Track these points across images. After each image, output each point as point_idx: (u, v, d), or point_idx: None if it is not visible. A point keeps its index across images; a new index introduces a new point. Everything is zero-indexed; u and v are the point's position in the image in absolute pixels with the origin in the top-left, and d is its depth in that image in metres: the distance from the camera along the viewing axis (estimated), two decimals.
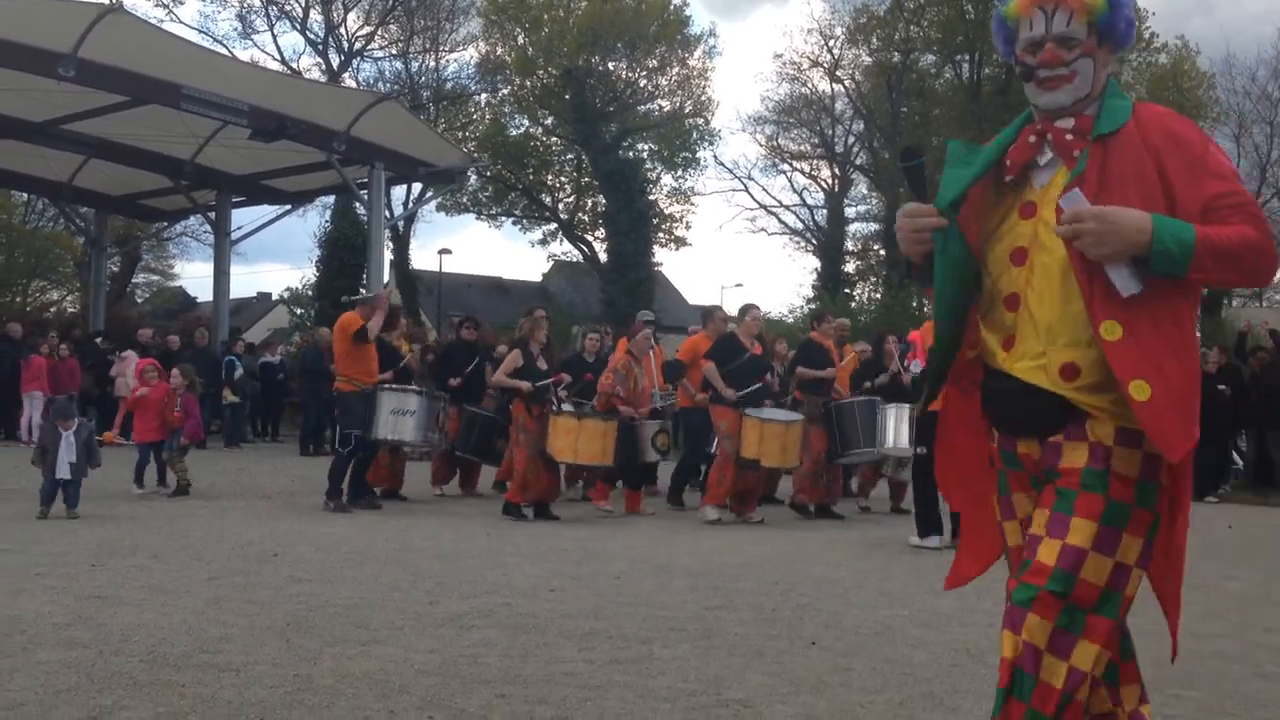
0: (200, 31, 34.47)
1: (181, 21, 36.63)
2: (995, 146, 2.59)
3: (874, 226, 38.29)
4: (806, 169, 39.67)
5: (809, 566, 7.13)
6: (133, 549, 6.91)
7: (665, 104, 37.36)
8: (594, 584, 6.15)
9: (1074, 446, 2.41)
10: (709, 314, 10.92)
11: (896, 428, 9.82)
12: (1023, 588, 2.41)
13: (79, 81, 15.84)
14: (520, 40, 35.95)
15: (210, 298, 24.05)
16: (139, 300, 37.83)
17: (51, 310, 32.25)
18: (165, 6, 32.93)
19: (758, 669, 4.30)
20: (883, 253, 35.44)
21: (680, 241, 39.61)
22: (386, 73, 35.81)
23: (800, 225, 39.83)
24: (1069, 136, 2.47)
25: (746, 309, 10.25)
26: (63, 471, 8.26)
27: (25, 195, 30.92)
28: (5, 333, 16.36)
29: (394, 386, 9.80)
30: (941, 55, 32.57)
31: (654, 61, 36.56)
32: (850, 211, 39.28)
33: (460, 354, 11.58)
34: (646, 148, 37.35)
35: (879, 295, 33.19)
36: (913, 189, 2.57)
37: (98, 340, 18.48)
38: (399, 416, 9.63)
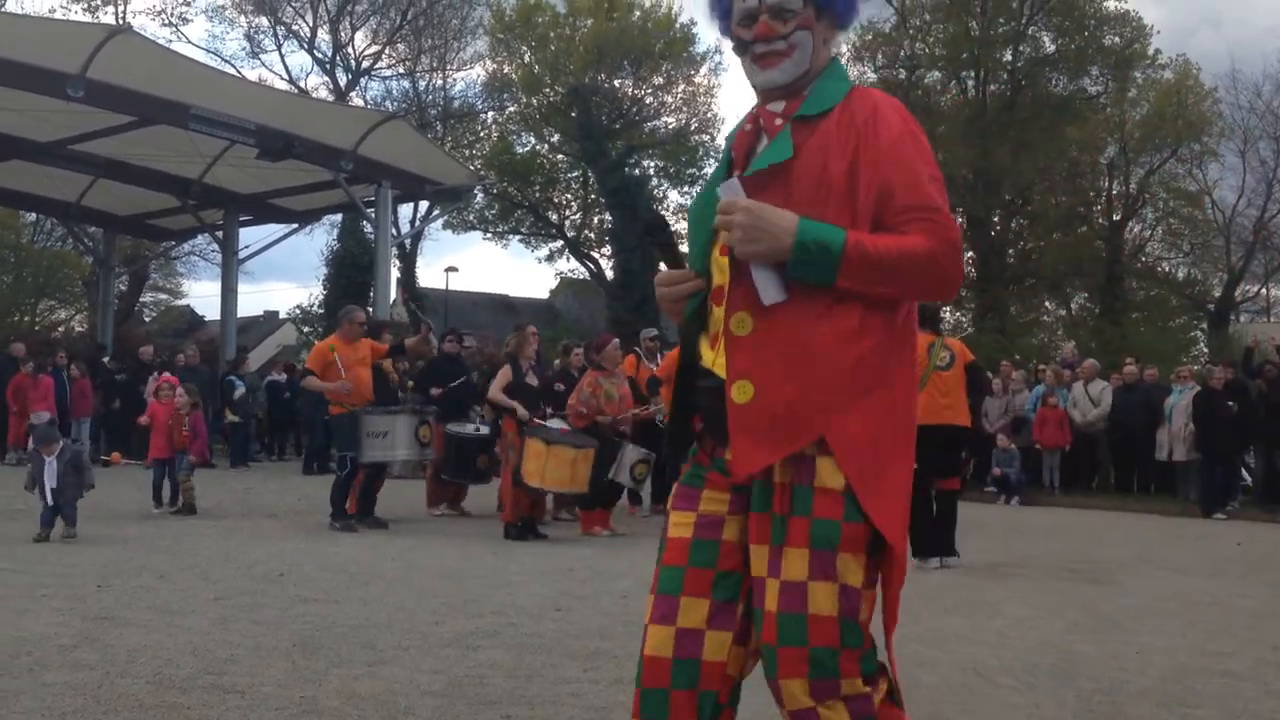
0: (208, 51, 34.84)
1: (189, 41, 36.67)
2: (729, 138, 2.47)
3: None
4: None
5: None
6: (139, 569, 6.91)
7: (671, 121, 37.46)
8: (599, 603, 6.13)
9: (782, 460, 2.21)
10: None
11: None
12: (766, 654, 2.24)
13: (87, 102, 15.95)
14: (527, 59, 36.05)
15: (218, 316, 24.13)
16: (146, 319, 37.89)
17: (59, 330, 32.30)
18: (173, 26, 33.30)
19: (763, 689, 4.25)
20: None
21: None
22: (394, 91, 35.95)
23: None
24: (778, 121, 2.32)
25: None
26: (48, 497, 8.18)
27: (33, 215, 31.05)
28: (9, 352, 16.41)
29: (372, 410, 9.61)
30: (946, 72, 32.56)
31: (660, 79, 36.63)
32: None
33: (444, 367, 11.58)
34: (652, 165, 37.42)
35: None
36: (665, 260, 2.42)
37: (105, 360, 18.51)
38: (376, 438, 9.47)
